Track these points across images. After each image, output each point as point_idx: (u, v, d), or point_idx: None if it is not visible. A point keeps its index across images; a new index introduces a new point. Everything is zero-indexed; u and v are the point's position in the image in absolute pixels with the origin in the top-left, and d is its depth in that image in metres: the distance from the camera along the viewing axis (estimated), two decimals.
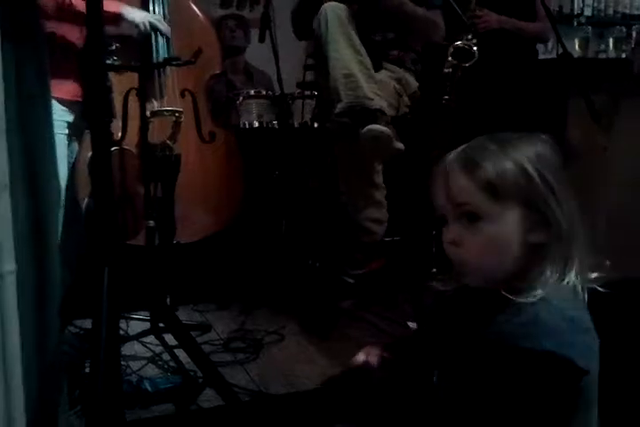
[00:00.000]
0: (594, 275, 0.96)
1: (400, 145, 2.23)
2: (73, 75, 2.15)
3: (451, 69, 2.29)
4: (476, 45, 2.24)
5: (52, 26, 2.05)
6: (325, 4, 2.26)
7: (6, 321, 1.07)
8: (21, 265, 1.15)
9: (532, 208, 0.93)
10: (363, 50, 2.24)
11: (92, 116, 1.42)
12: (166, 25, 2.39)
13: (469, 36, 2.25)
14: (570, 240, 0.94)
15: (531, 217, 0.93)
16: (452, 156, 0.98)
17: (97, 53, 1.30)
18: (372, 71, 2.28)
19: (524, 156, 0.94)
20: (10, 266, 1.08)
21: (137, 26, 2.30)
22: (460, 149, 0.99)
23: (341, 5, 2.26)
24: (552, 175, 0.95)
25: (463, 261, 0.96)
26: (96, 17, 1.25)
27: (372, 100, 2.18)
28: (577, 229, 0.95)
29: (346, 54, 2.20)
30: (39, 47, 1.19)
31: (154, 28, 2.35)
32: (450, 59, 2.29)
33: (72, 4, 2.07)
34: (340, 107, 2.20)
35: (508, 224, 0.93)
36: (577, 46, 3.54)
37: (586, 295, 0.96)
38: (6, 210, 1.05)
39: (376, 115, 2.17)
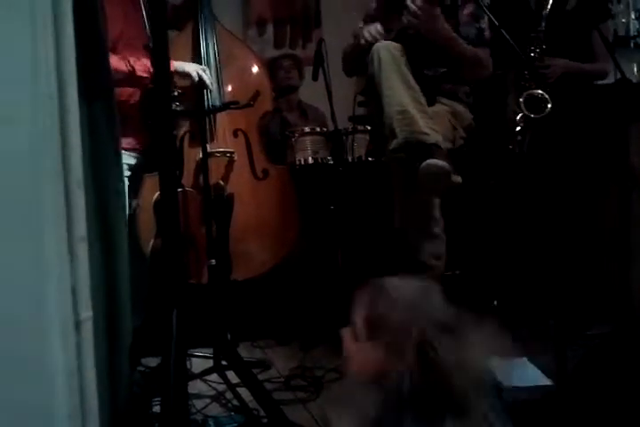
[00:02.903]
0: None
1: (458, 179, 2.21)
2: (129, 128, 2.27)
3: (522, 124, 2.29)
4: (548, 96, 2.24)
5: None
6: (378, 44, 2.28)
7: (84, 368, 1.10)
8: (96, 311, 1.19)
9: None
10: (416, 86, 2.25)
11: (161, 160, 1.47)
12: (210, 78, 2.48)
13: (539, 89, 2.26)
14: None
15: None
16: None
17: (166, 101, 1.35)
18: (426, 107, 2.29)
19: None
20: (87, 313, 1.11)
21: (189, 75, 2.41)
22: None
23: (394, 44, 2.28)
24: None
25: None
26: (164, 71, 1.30)
27: (428, 134, 2.17)
28: None
29: (399, 91, 2.21)
30: (110, 104, 1.24)
31: (201, 81, 2.44)
32: (523, 110, 2.29)
33: (137, 71, 2.26)
34: (395, 142, 2.20)
35: None
36: (635, 70, 3.46)
37: None
38: (84, 261, 1.09)
39: (432, 149, 2.16)
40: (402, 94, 2.20)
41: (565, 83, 2.63)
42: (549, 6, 2.55)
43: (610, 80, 2.76)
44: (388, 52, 2.24)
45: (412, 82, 2.24)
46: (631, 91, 2.33)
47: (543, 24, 2.54)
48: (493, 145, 2.60)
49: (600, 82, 2.94)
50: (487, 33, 2.47)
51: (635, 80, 3.31)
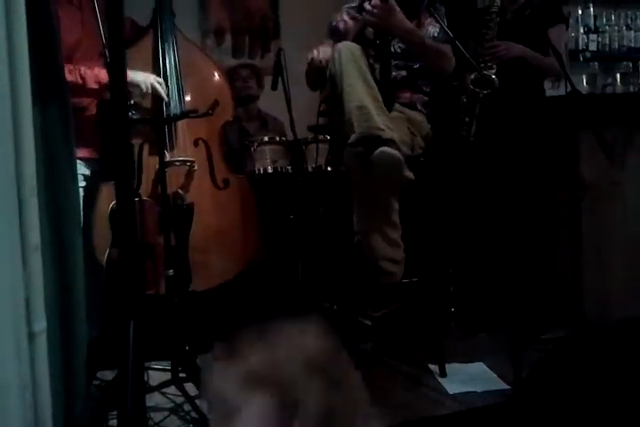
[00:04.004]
0: None
1: (410, 174, 2.29)
2: (84, 139, 2.25)
3: (470, 99, 2.37)
4: (495, 75, 2.33)
5: None
6: (339, 44, 2.37)
7: (38, 381, 1.07)
8: (50, 322, 1.16)
9: None
10: (375, 86, 2.33)
11: (117, 169, 1.45)
12: (166, 90, 2.45)
13: (488, 65, 2.34)
14: None
15: None
16: None
17: (121, 111, 1.34)
18: (383, 105, 2.36)
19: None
20: (41, 325, 1.09)
21: (138, 86, 2.37)
22: None
23: (355, 44, 2.38)
24: None
25: None
26: (120, 80, 1.29)
27: (384, 130, 2.25)
28: None
29: (358, 88, 2.28)
30: (65, 113, 1.23)
31: (154, 91, 2.41)
32: (471, 87, 2.37)
33: (87, 83, 2.24)
34: (353, 137, 2.27)
35: None
36: (584, 82, 3.58)
37: None
38: (38, 271, 1.07)
39: (387, 143, 2.23)
40: (361, 91, 2.28)
41: (518, 93, 2.71)
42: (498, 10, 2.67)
43: (561, 92, 2.85)
44: (348, 51, 2.32)
45: (372, 82, 2.33)
46: (581, 102, 2.41)
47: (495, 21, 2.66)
48: (446, 135, 2.68)
49: (551, 94, 3.04)
50: (449, 33, 2.56)
51: (584, 92, 3.42)
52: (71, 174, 1.38)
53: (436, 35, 2.54)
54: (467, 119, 2.61)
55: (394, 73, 2.57)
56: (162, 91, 2.43)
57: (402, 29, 2.41)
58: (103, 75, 2.23)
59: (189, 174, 2.49)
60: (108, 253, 2.27)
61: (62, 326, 1.25)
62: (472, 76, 2.43)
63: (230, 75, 3.30)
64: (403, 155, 2.31)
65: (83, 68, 2.25)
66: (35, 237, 1.07)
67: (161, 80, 2.45)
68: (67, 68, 2.14)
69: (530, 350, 2.19)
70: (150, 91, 2.40)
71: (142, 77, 2.39)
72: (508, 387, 2.17)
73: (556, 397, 1.82)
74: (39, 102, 1.17)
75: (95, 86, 2.27)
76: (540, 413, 1.84)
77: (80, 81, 2.24)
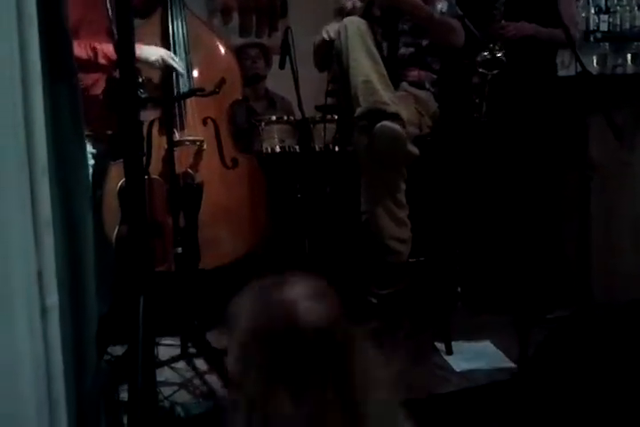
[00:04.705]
0: None
1: (415, 150, 2.30)
2: (93, 116, 2.23)
3: (479, 80, 2.36)
4: (503, 55, 2.32)
5: None
6: (345, 19, 2.37)
7: (51, 353, 1.09)
8: (61, 298, 1.18)
9: None
10: (380, 60, 2.34)
11: (127, 146, 1.46)
12: (180, 63, 2.44)
13: (496, 46, 2.33)
14: None
15: None
16: None
17: (131, 88, 1.34)
18: (389, 81, 2.36)
19: None
20: (53, 299, 1.11)
21: (152, 64, 2.36)
22: None
23: (361, 20, 2.38)
24: None
25: None
26: (128, 57, 1.30)
27: (389, 104, 2.25)
28: None
29: (364, 62, 2.30)
30: (74, 92, 1.23)
31: (168, 66, 2.40)
32: (480, 69, 2.36)
33: (98, 58, 2.23)
34: (359, 111, 2.29)
35: None
36: (595, 63, 3.54)
37: None
38: (49, 246, 1.09)
39: (391, 119, 2.24)
40: (366, 66, 2.30)
41: (528, 73, 2.68)
42: None
43: (571, 72, 2.83)
44: (354, 26, 2.33)
45: (377, 57, 2.34)
46: (591, 83, 2.39)
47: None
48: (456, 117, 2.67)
49: (561, 74, 3.01)
50: (457, 9, 2.55)
51: (594, 72, 3.38)
52: (81, 153, 1.39)
53: (444, 10, 2.52)
54: (477, 100, 2.59)
55: (402, 50, 2.56)
56: (176, 65, 2.41)
57: (410, 4, 2.41)
58: (112, 50, 2.22)
59: (198, 154, 2.49)
60: (118, 230, 2.29)
61: (73, 301, 1.27)
62: (479, 58, 2.41)
63: (238, 54, 3.29)
64: (410, 133, 2.31)
65: (92, 44, 2.23)
66: (46, 212, 1.08)
67: (173, 55, 2.44)
68: (76, 43, 2.14)
69: (536, 328, 2.20)
70: (162, 65, 2.39)
71: (154, 52, 2.38)
72: (514, 365, 2.19)
73: (561, 374, 1.84)
74: (48, 84, 1.17)
75: (105, 62, 2.25)
76: (545, 390, 1.86)
77: (91, 56, 2.22)
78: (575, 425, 1.74)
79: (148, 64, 2.35)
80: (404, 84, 2.56)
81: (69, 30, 1.40)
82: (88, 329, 1.39)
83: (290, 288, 0.86)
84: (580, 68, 2.33)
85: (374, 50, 2.34)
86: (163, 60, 2.37)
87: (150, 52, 2.37)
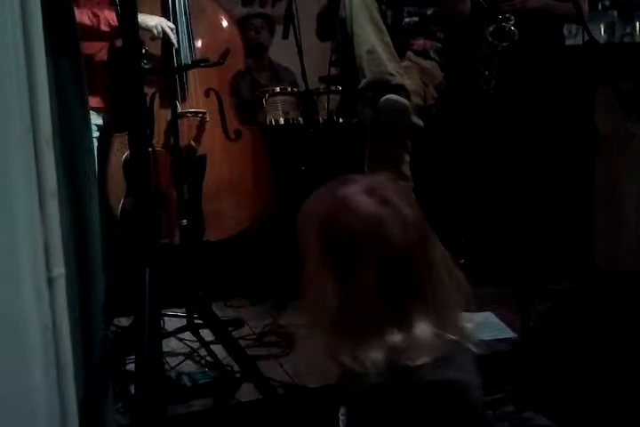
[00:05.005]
0: None
1: (420, 122, 2.29)
2: (96, 87, 2.23)
3: (489, 52, 2.33)
4: (514, 26, 2.29)
5: None
6: None
7: (58, 323, 1.11)
8: (68, 268, 1.19)
9: None
10: (385, 30, 2.31)
11: (131, 118, 1.46)
12: (174, 36, 2.41)
13: (509, 16, 2.30)
14: None
15: None
16: None
17: (134, 60, 1.33)
18: (394, 51, 2.33)
19: None
20: (60, 270, 1.12)
21: (150, 30, 2.33)
22: None
23: None
24: None
25: None
26: (131, 27, 1.28)
27: (394, 75, 2.24)
28: None
29: (369, 31, 2.27)
30: (77, 61, 1.22)
31: (165, 34, 2.37)
32: (490, 39, 2.33)
33: (100, 25, 2.19)
34: (364, 82, 2.27)
35: None
36: (602, 32, 3.49)
37: None
38: (55, 217, 1.09)
39: (396, 90, 2.22)
40: (371, 34, 2.27)
41: (537, 43, 2.65)
42: None
43: (578, 41, 2.78)
44: None
45: (382, 25, 2.31)
46: (598, 53, 2.36)
47: None
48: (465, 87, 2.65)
49: (569, 43, 2.97)
50: None
51: (602, 41, 3.34)
52: (85, 124, 1.38)
53: None
54: (486, 73, 2.56)
55: (407, 19, 2.52)
56: (172, 35, 2.39)
57: None
58: (114, 17, 2.18)
59: (201, 126, 2.48)
60: (123, 202, 2.30)
61: (80, 272, 1.29)
62: (491, 29, 2.37)
63: (241, 24, 3.24)
64: (415, 105, 2.29)
65: (94, 12, 2.20)
66: (51, 183, 1.09)
67: (172, 25, 2.41)
68: (77, 11, 2.11)
69: (538, 299, 2.22)
70: (162, 35, 2.36)
71: (155, 21, 2.35)
72: (516, 335, 2.21)
73: (563, 345, 1.86)
74: (51, 51, 1.16)
75: (107, 29, 2.22)
76: (547, 361, 1.88)
77: (93, 23, 2.19)
78: (576, 394, 1.77)
79: (147, 30, 2.32)
80: (410, 54, 2.53)
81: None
82: (95, 300, 1.40)
83: (350, 185, 0.98)
84: (587, 38, 2.29)
85: (379, 18, 2.31)
86: (161, 26, 2.34)
87: (148, 18, 2.34)
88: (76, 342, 1.26)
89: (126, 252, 2.03)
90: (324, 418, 1.85)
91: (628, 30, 3.64)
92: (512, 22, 2.37)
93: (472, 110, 2.69)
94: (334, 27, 2.40)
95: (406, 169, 2.45)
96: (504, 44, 2.41)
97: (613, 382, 1.73)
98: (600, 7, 3.64)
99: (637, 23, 3.59)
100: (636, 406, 1.68)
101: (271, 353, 2.18)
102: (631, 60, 2.74)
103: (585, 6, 2.57)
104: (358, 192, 0.95)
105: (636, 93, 2.66)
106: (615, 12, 3.60)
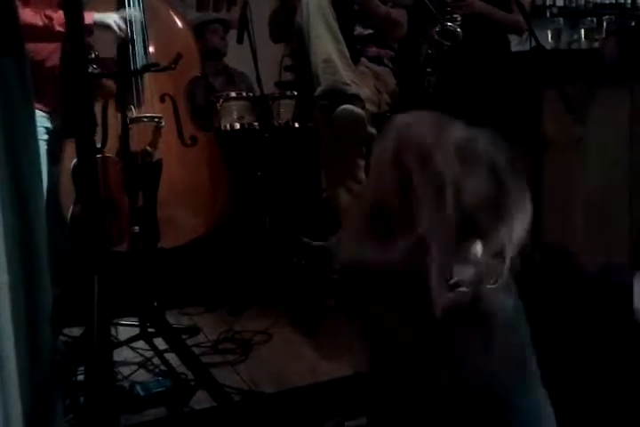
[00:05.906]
0: None
1: (374, 130, 2.30)
2: (47, 89, 2.17)
3: (434, 51, 2.37)
4: (460, 27, 2.33)
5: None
6: None
7: (1, 332, 1.08)
8: (12, 276, 1.16)
9: None
10: (342, 39, 2.33)
11: (77, 124, 1.43)
12: (124, 27, 2.36)
13: (455, 17, 2.34)
14: None
15: None
16: None
17: (81, 64, 1.31)
18: (350, 61, 2.35)
19: None
20: (3, 277, 1.09)
21: (109, 27, 2.29)
22: None
23: None
24: None
25: None
26: (78, 30, 1.26)
27: (350, 85, 2.26)
28: None
29: (325, 40, 2.29)
30: (21, 59, 1.19)
31: (123, 31, 2.33)
32: (436, 37, 2.37)
33: (54, 25, 2.11)
34: (319, 90, 2.28)
35: None
36: (550, 38, 3.59)
37: None
38: None
39: (352, 100, 2.24)
40: (328, 44, 2.29)
41: (483, 47, 2.69)
42: None
43: (526, 48, 2.85)
44: (316, 3, 2.29)
45: (339, 34, 2.33)
46: (545, 58, 2.42)
47: None
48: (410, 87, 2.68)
49: (517, 49, 3.03)
50: None
51: (549, 47, 3.42)
52: (31, 129, 1.34)
53: None
54: (428, 70, 2.59)
55: (362, 30, 2.55)
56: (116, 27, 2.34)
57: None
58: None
59: (157, 131, 2.44)
60: (72, 209, 2.24)
61: (25, 281, 1.25)
62: (437, 28, 2.42)
63: (198, 29, 3.22)
64: (369, 112, 2.32)
65: (47, 12, 2.13)
66: None
67: (129, 17, 2.36)
68: (29, 11, 2.06)
69: None
70: (123, 30, 2.32)
71: (111, 18, 2.30)
72: None
73: None
74: None
75: (62, 29, 2.12)
76: None
77: (47, 24, 2.11)
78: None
79: (107, 27, 2.28)
80: (364, 60, 2.56)
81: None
82: (42, 309, 1.36)
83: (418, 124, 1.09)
84: (534, 43, 2.35)
85: (336, 27, 2.33)
86: (120, 22, 2.30)
87: (105, 15, 2.30)
88: (22, 352, 1.22)
89: (76, 259, 1.99)
90: (281, 423, 1.85)
91: (575, 37, 3.75)
92: (458, 23, 2.41)
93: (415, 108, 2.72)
94: (287, 29, 2.41)
95: (361, 173, 2.46)
96: (449, 44, 2.45)
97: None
98: (548, 14, 3.74)
99: (582, 30, 3.71)
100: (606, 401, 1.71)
101: (227, 360, 2.16)
102: (577, 66, 2.82)
103: (520, 17, 2.62)
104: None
105: (583, 98, 2.74)
106: (562, 20, 3.70)
